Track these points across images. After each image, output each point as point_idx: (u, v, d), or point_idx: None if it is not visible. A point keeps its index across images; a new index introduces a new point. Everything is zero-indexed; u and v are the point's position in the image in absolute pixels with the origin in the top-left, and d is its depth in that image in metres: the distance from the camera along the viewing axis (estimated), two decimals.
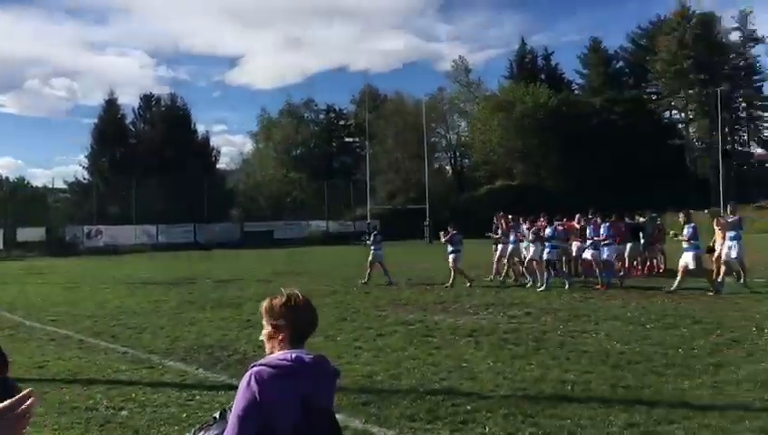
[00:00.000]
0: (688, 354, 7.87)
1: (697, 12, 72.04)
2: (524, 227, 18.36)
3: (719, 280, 14.46)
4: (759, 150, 76.65)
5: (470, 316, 11.58)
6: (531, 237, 16.83)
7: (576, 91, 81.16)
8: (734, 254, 14.68)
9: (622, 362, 7.56)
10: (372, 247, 18.78)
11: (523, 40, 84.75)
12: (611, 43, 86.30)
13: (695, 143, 74.23)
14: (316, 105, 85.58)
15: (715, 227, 16.13)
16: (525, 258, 17.13)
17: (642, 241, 18.45)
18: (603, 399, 6.12)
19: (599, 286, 15.21)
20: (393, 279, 17.84)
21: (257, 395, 2.36)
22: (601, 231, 16.03)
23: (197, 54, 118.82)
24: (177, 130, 57.09)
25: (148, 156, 53.70)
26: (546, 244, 16.10)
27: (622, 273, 18.11)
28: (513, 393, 6.39)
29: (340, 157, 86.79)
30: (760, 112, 75.49)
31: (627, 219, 19.31)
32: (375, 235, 19.43)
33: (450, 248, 17.20)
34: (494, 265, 18.42)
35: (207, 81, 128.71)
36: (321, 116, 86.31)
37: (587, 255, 16.54)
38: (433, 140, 77.06)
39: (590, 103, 75.42)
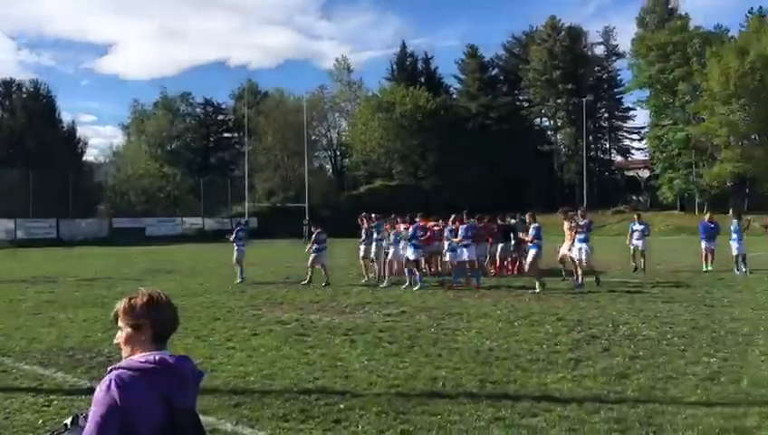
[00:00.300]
0: (551, 350, 8.27)
1: (566, 25, 76.15)
2: (402, 226, 18.67)
3: (578, 279, 15.37)
4: (619, 158, 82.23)
5: (346, 315, 11.61)
6: (391, 238, 17.00)
7: (454, 96, 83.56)
8: (583, 255, 15.64)
9: (491, 359, 7.82)
10: (235, 244, 18.38)
11: (404, 43, 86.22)
12: (488, 50, 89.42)
13: (562, 149, 78.49)
14: (193, 98, 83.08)
15: (565, 228, 17.19)
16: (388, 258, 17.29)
17: (513, 242, 19.23)
18: (472, 394, 6.30)
19: (475, 285, 15.77)
20: (244, 276, 17.63)
21: (118, 400, 2.24)
22: (459, 232, 16.43)
23: (65, 39, 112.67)
24: (39, 119, 53.53)
25: (8, 146, 50.09)
26: (410, 243, 16.28)
27: (494, 272, 18.86)
28: (386, 391, 6.45)
29: (217, 152, 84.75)
30: (620, 123, 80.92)
31: (499, 220, 20.07)
32: (237, 230, 18.95)
33: (315, 247, 17.12)
34: (362, 265, 18.53)
35: (75, 68, 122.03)
36: (198, 110, 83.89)
37: (446, 256, 17.02)
38: (313, 138, 76.92)
39: (466, 108, 77.99)
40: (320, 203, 61.16)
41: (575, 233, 16.05)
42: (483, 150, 69.98)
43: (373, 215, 18.69)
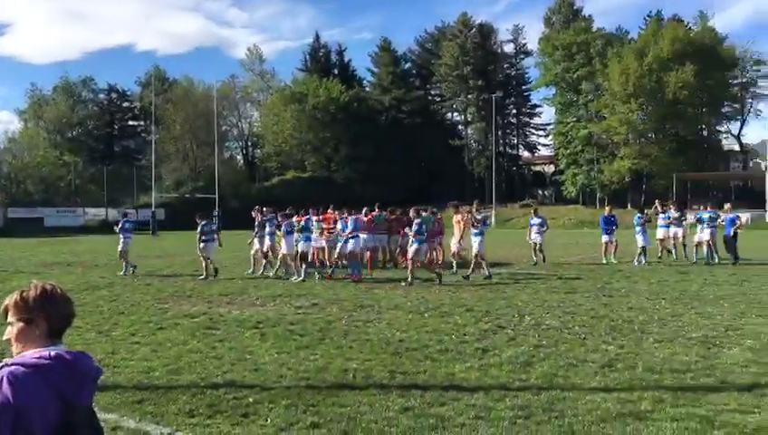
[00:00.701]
0: (460, 340, 8.44)
1: (477, 22, 77.73)
2: (314, 219, 18.59)
3: (486, 271, 15.78)
4: (526, 153, 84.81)
5: (256, 308, 11.45)
6: (283, 230, 16.79)
7: (367, 88, 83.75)
8: (482, 248, 16.03)
9: (401, 350, 7.90)
10: (121, 236, 17.81)
11: (317, 34, 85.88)
12: (401, 44, 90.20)
13: (473, 144, 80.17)
14: (96, 84, 79.57)
15: (454, 221, 17.60)
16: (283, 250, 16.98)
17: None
18: (383, 385, 6.34)
19: (351, 276, 15.79)
20: (132, 270, 17.19)
21: (11, 398, 2.13)
22: (348, 225, 16.45)
23: None
24: None
25: None
26: (301, 235, 16.19)
27: (405, 264, 19.03)
28: (296, 384, 6.40)
29: (122, 141, 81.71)
30: (527, 119, 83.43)
31: (411, 213, 20.24)
32: (124, 222, 18.35)
33: (202, 238, 16.69)
34: (251, 258, 18.23)
35: None
36: (102, 96, 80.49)
37: (337, 248, 16.97)
38: (224, 128, 75.42)
39: (379, 101, 78.37)
40: (230, 194, 60.05)
41: (472, 226, 16.44)
42: (396, 144, 70.62)
43: (264, 208, 18.44)
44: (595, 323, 9.55)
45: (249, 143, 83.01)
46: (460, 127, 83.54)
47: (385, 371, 6.89)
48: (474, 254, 16.30)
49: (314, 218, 17.19)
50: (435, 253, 20.09)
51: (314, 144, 73.75)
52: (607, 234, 20.02)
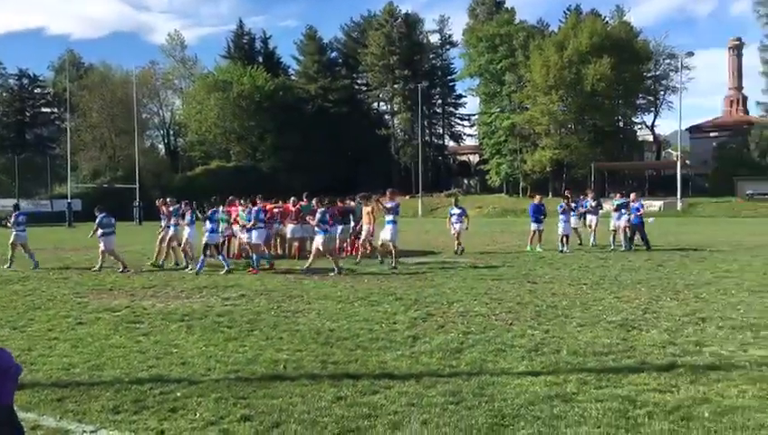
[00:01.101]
0: (390, 329, 8.46)
1: (403, 12, 78.04)
2: (240, 209, 18.30)
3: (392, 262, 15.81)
4: (452, 143, 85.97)
5: (182, 300, 11.16)
6: (186, 220, 16.44)
7: (293, 77, 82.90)
8: (389, 236, 16.21)
9: (332, 339, 7.86)
10: (14, 229, 17.12)
11: (240, 20, 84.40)
12: (327, 32, 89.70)
13: (399, 134, 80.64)
14: (5, 69, 75.69)
15: (365, 212, 17.66)
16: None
17: (352, 223, 19.46)
18: (314, 375, 6.29)
19: (251, 269, 15.45)
20: (36, 261, 16.71)
21: None
22: (253, 215, 16.17)
23: None
24: None
25: None
26: (210, 226, 15.79)
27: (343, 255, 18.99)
28: (225, 376, 6.27)
29: (34, 129, 78.13)
30: (452, 109, 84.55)
31: (339, 202, 20.22)
32: (17, 215, 17.57)
33: (100, 232, 16.17)
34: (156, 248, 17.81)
35: None
36: (12, 81, 76.70)
37: (243, 238, 16.72)
38: (144, 116, 73.17)
39: (305, 89, 77.71)
40: (152, 184, 58.35)
41: (385, 214, 16.48)
42: (322, 133, 70.26)
43: (168, 200, 18.02)
44: (521, 310, 9.77)
45: (171, 132, 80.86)
46: (387, 116, 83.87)
47: (316, 361, 6.84)
48: (382, 242, 16.38)
49: (221, 209, 16.90)
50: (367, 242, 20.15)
51: (239, 133, 72.55)
52: (536, 222, 20.14)
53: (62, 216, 46.48)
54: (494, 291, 11.74)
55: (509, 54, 67.47)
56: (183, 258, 16.65)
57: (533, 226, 20.22)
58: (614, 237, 20.38)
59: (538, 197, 22.25)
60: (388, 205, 16.76)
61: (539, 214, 20.30)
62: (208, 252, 15.89)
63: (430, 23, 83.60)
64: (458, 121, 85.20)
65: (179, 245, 16.80)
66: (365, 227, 17.80)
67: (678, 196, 53.40)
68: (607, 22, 68.97)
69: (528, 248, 20.07)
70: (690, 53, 63.77)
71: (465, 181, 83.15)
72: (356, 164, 74.07)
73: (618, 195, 21.92)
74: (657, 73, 72.50)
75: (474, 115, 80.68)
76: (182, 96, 78.71)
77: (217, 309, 10.17)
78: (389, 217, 16.32)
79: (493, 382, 5.95)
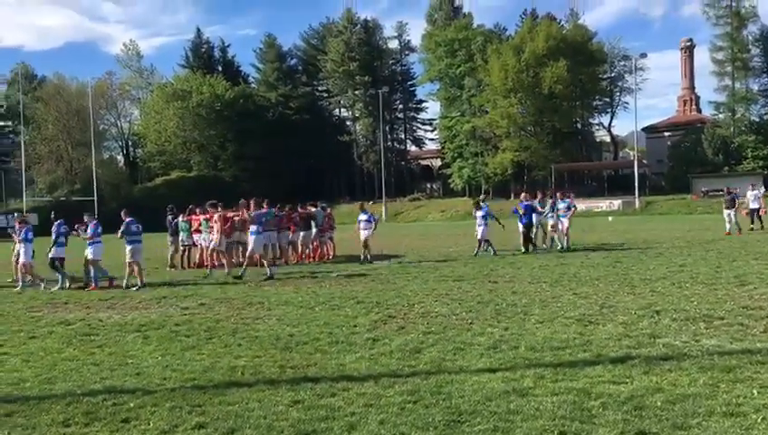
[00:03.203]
0: (350, 332, 8.44)
1: (362, 18, 78.23)
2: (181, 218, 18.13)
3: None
4: (414, 148, 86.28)
5: (139, 311, 10.97)
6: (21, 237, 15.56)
7: (253, 85, 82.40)
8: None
9: (291, 344, 7.80)
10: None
11: (198, 29, 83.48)
12: (286, 40, 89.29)
13: (361, 140, 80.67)
14: None
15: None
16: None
17: (314, 229, 19.39)
18: (272, 380, 6.23)
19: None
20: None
21: None
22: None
23: None
24: None
25: None
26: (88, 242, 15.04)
27: (295, 259, 18.89)
28: (181, 385, 6.17)
29: None
30: (414, 114, 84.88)
31: (300, 208, 20.15)
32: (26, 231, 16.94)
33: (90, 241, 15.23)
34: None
35: None
36: None
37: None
38: (102, 127, 71.98)
39: (266, 97, 77.31)
40: (111, 196, 57.41)
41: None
42: (284, 140, 69.91)
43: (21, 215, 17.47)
44: (481, 308, 9.83)
45: (130, 143, 79.66)
46: (348, 122, 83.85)
47: (275, 366, 6.78)
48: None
49: (180, 218, 16.67)
50: (326, 247, 20.10)
51: (199, 142, 71.84)
52: (529, 223, 19.35)
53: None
54: (455, 292, 11.79)
55: (468, 59, 68.06)
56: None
57: (521, 226, 19.40)
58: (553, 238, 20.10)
59: (524, 194, 21.43)
60: (363, 216, 18.23)
61: (531, 212, 19.45)
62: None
63: (389, 29, 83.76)
64: (420, 126, 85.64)
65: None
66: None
67: (636, 194, 54.38)
68: (562, 25, 70.05)
69: (544, 246, 19.96)
70: (644, 55, 65.39)
71: (428, 185, 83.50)
72: (319, 171, 73.86)
73: (562, 196, 21.34)
74: (613, 75, 73.88)
75: (435, 119, 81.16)
76: (140, 106, 77.65)
77: (176, 318, 10.02)
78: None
79: (451, 380, 5.97)
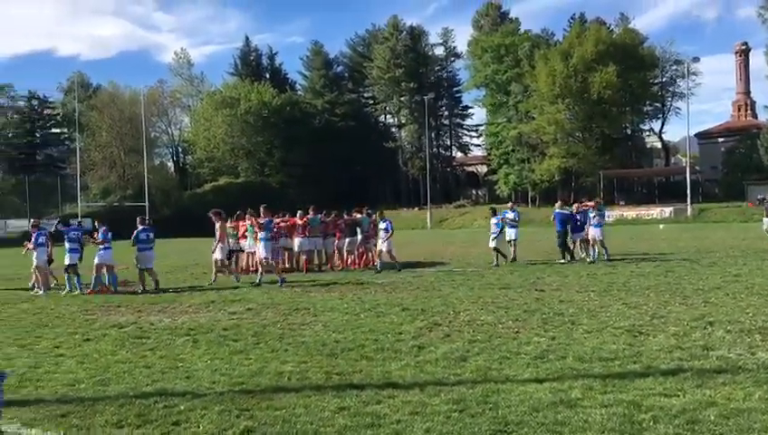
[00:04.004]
0: (396, 339, 8.44)
1: (408, 25, 78.43)
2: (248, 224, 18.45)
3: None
4: (459, 154, 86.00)
5: (189, 315, 11.18)
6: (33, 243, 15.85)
7: (299, 92, 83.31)
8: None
9: (337, 351, 7.84)
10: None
11: (247, 38, 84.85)
12: (332, 47, 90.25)
13: (406, 146, 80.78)
14: (15, 91, 76.46)
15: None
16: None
17: (360, 236, 19.46)
18: (318, 386, 6.28)
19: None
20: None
21: None
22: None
23: None
24: None
25: None
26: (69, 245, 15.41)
27: (340, 265, 18.97)
28: (229, 389, 6.27)
29: (45, 149, 78.71)
30: (459, 120, 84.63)
31: (346, 215, 20.26)
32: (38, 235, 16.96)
33: (100, 247, 15.52)
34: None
35: None
36: (22, 103, 77.37)
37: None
38: (153, 134, 73.71)
39: (312, 104, 78.05)
40: (161, 202, 58.70)
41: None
42: (329, 147, 70.43)
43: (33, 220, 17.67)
44: (528, 317, 9.72)
45: (180, 149, 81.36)
46: (394, 129, 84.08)
47: (321, 372, 6.82)
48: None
49: (230, 223, 17.13)
50: (371, 254, 20.14)
51: (247, 149, 72.89)
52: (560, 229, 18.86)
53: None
54: (501, 299, 11.70)
55: (514, 64, 67.57)
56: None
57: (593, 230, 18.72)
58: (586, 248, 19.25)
59: (576, 205, 20.52)
60: (381, 224, 17.93)
61: (583, 220, 18.96)
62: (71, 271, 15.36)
63: (434, 36, 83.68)
64: (465, 132, 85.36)
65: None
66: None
67: (688, 202, 53.11)
68: (612, 30, 68.97)
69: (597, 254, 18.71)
70: (696, 59, 63.77)
71: (474, 192, 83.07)
72: (364, 177, 74.21)
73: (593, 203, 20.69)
74: (664, 80, 72.41)
75: (481, 126, 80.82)
76: (190, 114, 79.24)
77: (224, 323, 10.18)
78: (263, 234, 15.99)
79: (497, 390, 5.92)
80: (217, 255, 16.53)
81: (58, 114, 78.13)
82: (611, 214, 54.67)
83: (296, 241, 18.99)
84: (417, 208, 68.58)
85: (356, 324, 9.65)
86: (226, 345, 8.39)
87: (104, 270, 15.29)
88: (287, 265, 19.50)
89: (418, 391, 5.95)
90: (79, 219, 48.73)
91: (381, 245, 18.05)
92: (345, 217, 20.17)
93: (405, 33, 78.34)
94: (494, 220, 19.25)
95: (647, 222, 48.87)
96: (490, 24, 75.06)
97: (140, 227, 15.48)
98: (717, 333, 8.09)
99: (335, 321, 10.04)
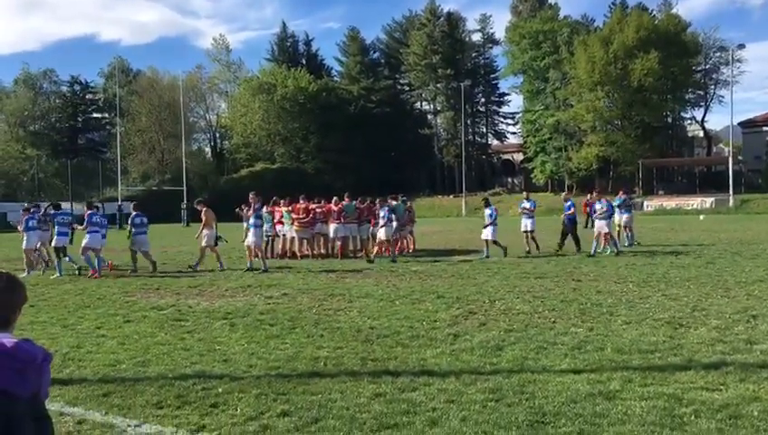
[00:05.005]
0: (431, 326, 8.43)
1: (445, 11, 77.75)
2: (284, 209, 18.63)
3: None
4: (495, 142, 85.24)
5: (226, 299, 11.32)
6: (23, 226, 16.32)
7: (335, 78, 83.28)
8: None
9: (372, 337, 7.86)
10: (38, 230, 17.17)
11: (284, 23, 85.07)
12: (369, 33, 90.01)
13: (442, 133, 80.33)
14: (58, 76, 77.99)
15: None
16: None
17: (395, 223, 19.41)
18: (354, 372, 6.30)
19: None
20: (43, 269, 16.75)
21: None
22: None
23: None
24: None
25: None
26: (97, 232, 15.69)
27: (376, 252, 19.00)
28: (266, 373, 6.33)
29: (86, 133, 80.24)
30: (496, 107, 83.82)
31: (380, 201, 20.19)
32: (27, 219, 16.71)
33: (133, 231, 16.39)
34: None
35: None
36: (65, 88, 78.94)
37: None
38: (191, 119, 74.56)
39: (348, 90, 77.99)
40: (199, 186, 59.45)
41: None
42: (365, 133, 70.41)
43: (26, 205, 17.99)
44: (564, 307, 9.62)
45: (217, 135, 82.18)
46: (429, 116, 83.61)
47: (356, 358, 6.85)
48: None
49: (266, 209, 17.32)
50: (406, 241, 20.13)
51: (283, 135, 73.26)
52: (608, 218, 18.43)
53: (113, 218, 47.62)
54: (537, 289, 11.60)
55: (553, 51, 66.58)
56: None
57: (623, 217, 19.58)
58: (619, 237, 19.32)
59: (621, 191, 20.81)
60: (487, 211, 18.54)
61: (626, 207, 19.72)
62: (61, 255, 15.76)
63: (472, 22, 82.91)
64: (502, 120, 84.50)
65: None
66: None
67: (731, 192, 51.91)
68: (654, 15, 67.46)
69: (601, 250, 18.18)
70: (742, 46, 62.15)
71: (510, 180, 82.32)
72: (399, 164, 74.07)
73: (620, 193, 20.52)
74: (707, 67, 70.61)
75: (517, 113, 79.87)
76: (227, 99, 79.94)
77: (260, 307, 10.28)
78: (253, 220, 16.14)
79: (534, 380, 5.87)
80: (203, 242, 16.67)
81: (99, 99, 79.47)
82: (650, 204, 53.89)
83: (332, 227, 19.07)
84: (452, 196, 68.25)
85: (391, 311, 9.66)
86: (263, 329, 8.47)
87: (90, 253, 15.54)
88: (323, 251, 19.62)
89: (454, 380, 5.93)
90: (119, 202, 49.65)
91: (385, 232, 17.71)
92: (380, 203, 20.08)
93: (442, 18, 77.68)
94: (487, 211, 18.72)
95: (686, 212, 47.91)
96: (528, 9, 74.00)
97: (134, 213, 16.38)
98: (761, 327, 7.91)
99: (370, 307, 10.07)
